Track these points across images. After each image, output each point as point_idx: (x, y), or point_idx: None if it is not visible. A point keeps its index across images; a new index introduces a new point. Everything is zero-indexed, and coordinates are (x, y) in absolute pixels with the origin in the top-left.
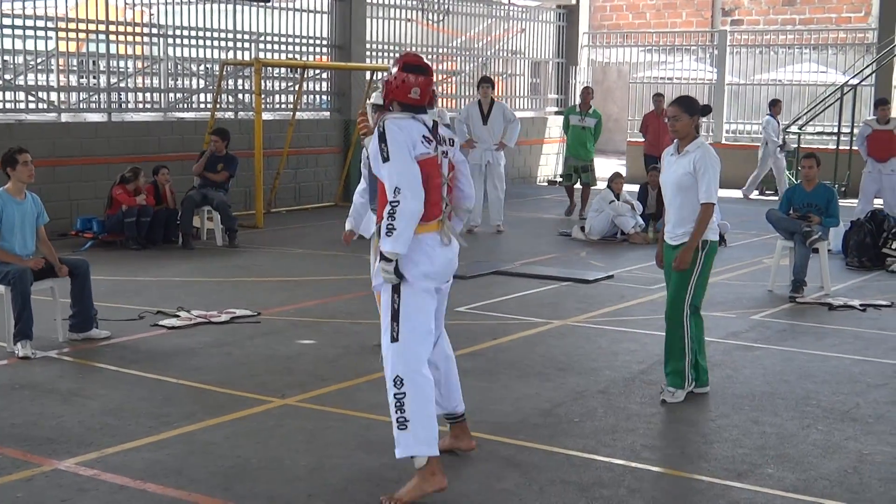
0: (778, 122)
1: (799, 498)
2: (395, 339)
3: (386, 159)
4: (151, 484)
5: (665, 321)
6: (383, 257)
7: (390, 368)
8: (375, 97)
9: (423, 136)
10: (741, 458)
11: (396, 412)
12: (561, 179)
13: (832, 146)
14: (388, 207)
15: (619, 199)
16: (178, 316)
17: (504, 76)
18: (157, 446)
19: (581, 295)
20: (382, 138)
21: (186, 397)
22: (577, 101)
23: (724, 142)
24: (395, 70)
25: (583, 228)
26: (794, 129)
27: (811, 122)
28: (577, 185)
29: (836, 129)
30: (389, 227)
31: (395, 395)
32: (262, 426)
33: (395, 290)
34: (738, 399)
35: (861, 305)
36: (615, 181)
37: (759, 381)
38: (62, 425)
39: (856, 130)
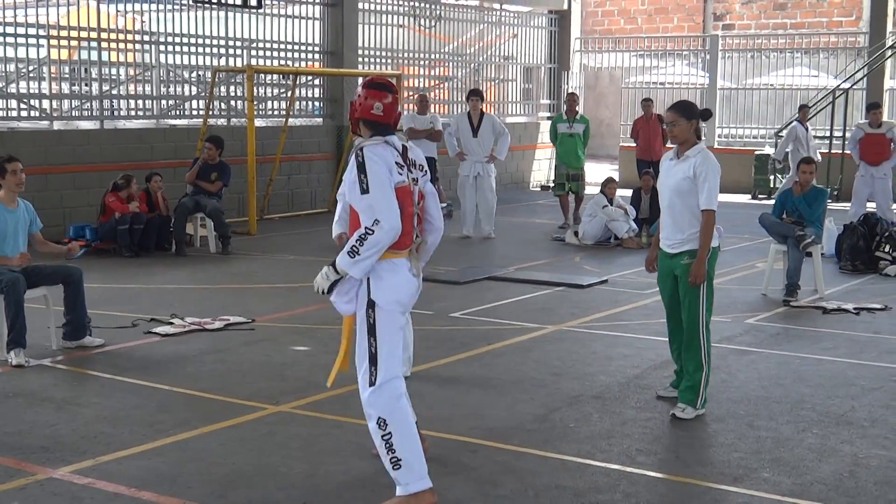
0: (806, 129)
1: (795, 502)
2: (372, 383)
3: (365, 191)
4: (146, 492)
5: (685, 337)
6: (333, 266)
7: (371, 412)
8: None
9: (396, 163)
10: (737, 463)
11: (388, 454)
12: (552, 188)
13: (824, 150)
14: (360, 230)
15: (612, 204)
16: (171, 323)
17: (496, 81)
18: (151, 454)
19: (575, 300)
20: (361, 168)
21: (181, 405)
22: (563, 108)
23: (716, 146)
24: (359, 90)
25: (576, 233)
26: (784, 133)
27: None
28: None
29: (828, 133)
30: (354, 250)
31: (382, 437)
32: (257, 433)
33: (371, 331)
34: (733, 403)
35: (855, 309)
36: (608, 186)
37: (754, 385)
38: (56, 433)
39: (848, 134)
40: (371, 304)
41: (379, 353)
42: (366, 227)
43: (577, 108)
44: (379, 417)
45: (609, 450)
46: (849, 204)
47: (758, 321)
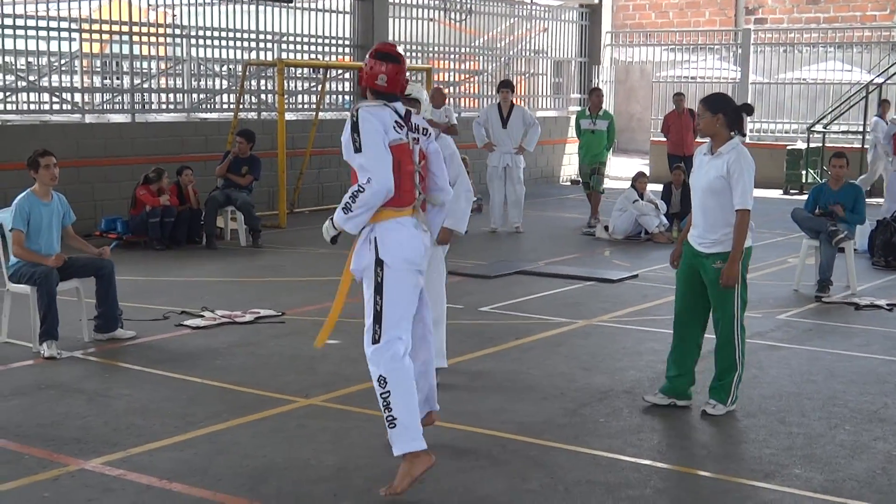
0: (887, 123)
1: (827, 499)
2: (375, 341)
3: (358, 150)
4: (177, 484)
5: (717, 338)
6: (331, 221)
7: (373, 368)
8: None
9: (395, 122)
10: (768, 459)
11: (385, 411)
12: (581, 184)
13: (857, 145)
14: (354, 188)
15: (643, 199)
16: (202, 316)
17: (526, 76)
18: (182, 446)
19: (605, 295)
20: (355, 128)
21: (211, 397)
22: (587, 104)
23: (748, 141)
24: (367, 58)
25: (606, 228)
26: (818, 127)
27: (836, 121)
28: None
29: (861, 129)
30: (347, 206)
31: (381, 394)
32: (287, 426)
33: (378, 290)
34: (765, 399)
35: (888, 305)
36: (639, 180)
37: (786, 381)
38: (88, 425)
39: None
40: (379, 263)
41: (384, 311)
42: (359, 185)
43: (601, 105)
44: (380, 375)
45: (640, 445)
46: (882, 199)
47: (789, 317)
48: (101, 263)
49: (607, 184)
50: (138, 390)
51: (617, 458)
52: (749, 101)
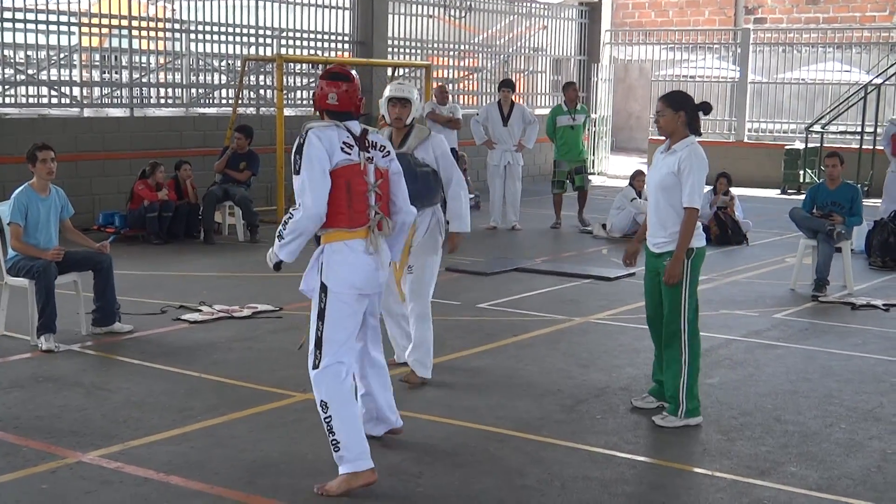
0: None
1: (822, 497)
2: (316, 366)
3: (297, 172)
4: (175, 477)
5: (663, 340)
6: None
7: (315, 392)
8: (393, 89)
9: (344, 143)
10: (763, 456)
11: (329, 435)
12: (552, 185)
13: (855, 145)
14: (287, 215)
15: (640, 197)
16: (200, 310)
17: (525, 73)
18: (180, 439)
19: (603, 292)
20: (299, 150)
21: (209, 391)
22: (562, 98)
23: (746, 140)
24: (319, 80)
25: (604, 226)
26: (816, 128)
27: (834, 122)
28: (567, 193)
29: (859, 129)
30: (279, 233)
31: (323, 419)
32: (284, 420)
33: (320, 315)
34: (761, 397)
35: (884, 305)
36: (637, 179)
37: (782, 379)
38: (86, 418)
39: (879, 130)
40: (323, 288)
41: (325, 336)
42: (291, 210)
43: (577, 98)
44: (321, 400)
45: (636, 441)
46: (879, 200)
47: (786, 316)
48: (100, 257)
49: (606, 182)
50: (136, 384)
51: (613, 454)
52: (748, 101)
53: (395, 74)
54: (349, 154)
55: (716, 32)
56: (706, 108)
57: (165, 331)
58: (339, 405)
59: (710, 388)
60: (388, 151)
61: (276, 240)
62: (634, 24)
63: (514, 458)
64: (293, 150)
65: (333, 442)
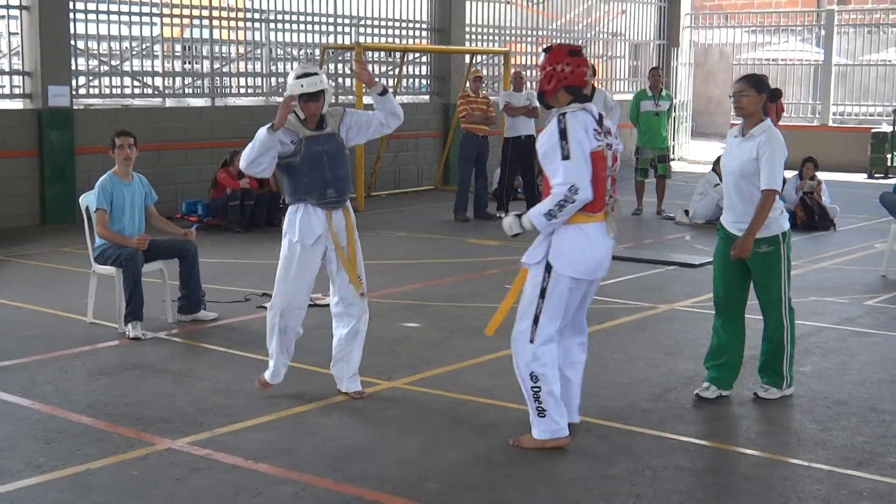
0: None
1: None
2: (532, 341)
3: (566, 157)
4: (262, 464)
5: (765, 322)
6: (518, 219)
7: (525, 365)
8: (306, 84)
9: (595, 130)
10: (861, 447)
11: (535, 402)
12: (635, 173)
13: None
14: (561, 198)
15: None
16: None
17: (604, 58)
18: (267, 427)
19: (687, 279)
20: (563, 135)
21: (294, 379)
22: (647, 84)
23: (831, 124)
24: (545, 58)
25: (687, 212)
26: None
27: None
28: (650, 179)
29: None
30: (551, 212)
31: (531, 387)
32: (371, 408)
33: (542, 294)
34: (855, 386)
35: None
36: (720, 164)
37: (877, 367)
38: (174, 405)
39: None
40: (548, 268)
41: (543, 315)
42: (566, 196)
43: (661, 84)
44: (532, 373)
45: (726, 431)
46: None
47: (878, 303)
48: (185, 245)
49: (687, 168)
50: (222, 371)
51: (703, 444)
52: (832, 84)
53: (475, 62)
54: (598, 141)
55: (799, 14)
56: (777, 94)
57: (250, 318)
58: (549, 380)
59: (803, 376)
60: (618, 137)
61: (543, 218)
62: (714, 7)
63: (602, 447)
64: (555, 135)
65: (539, 409)
